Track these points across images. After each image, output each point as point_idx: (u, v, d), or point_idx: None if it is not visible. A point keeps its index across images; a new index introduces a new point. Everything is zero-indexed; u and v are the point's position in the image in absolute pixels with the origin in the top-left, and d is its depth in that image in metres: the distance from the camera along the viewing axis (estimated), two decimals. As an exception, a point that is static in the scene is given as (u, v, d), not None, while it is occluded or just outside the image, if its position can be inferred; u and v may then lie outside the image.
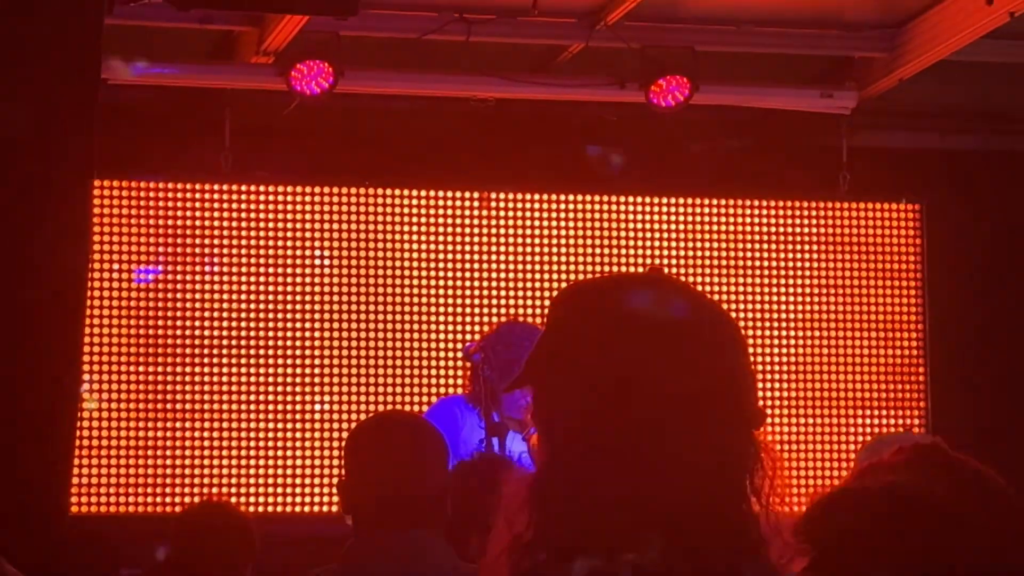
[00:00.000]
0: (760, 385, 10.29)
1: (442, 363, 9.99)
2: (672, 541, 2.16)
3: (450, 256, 10.14)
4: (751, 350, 9.70)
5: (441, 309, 10.09)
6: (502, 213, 10.25)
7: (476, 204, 10.22)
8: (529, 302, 10.17)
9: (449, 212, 10.18)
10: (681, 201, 10.48)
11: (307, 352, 9.95)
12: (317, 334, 9.97)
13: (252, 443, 9.82)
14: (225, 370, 9.83)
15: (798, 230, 10.63)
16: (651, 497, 2.17)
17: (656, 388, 2.20)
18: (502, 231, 10.23)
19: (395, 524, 4.08)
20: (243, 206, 9.98)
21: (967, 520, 2.55)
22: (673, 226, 10.45)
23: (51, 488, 5.70)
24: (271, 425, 9.86)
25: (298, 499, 9.82)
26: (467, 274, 10.15)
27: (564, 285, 9.90)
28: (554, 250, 10.28)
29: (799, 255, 10.60)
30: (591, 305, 2.33)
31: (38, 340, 5.70)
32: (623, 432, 2.19)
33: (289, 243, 10.01)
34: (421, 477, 4.17)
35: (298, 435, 9.86)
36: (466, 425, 7.61)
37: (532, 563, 2.22)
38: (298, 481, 9.83)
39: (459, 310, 10.10)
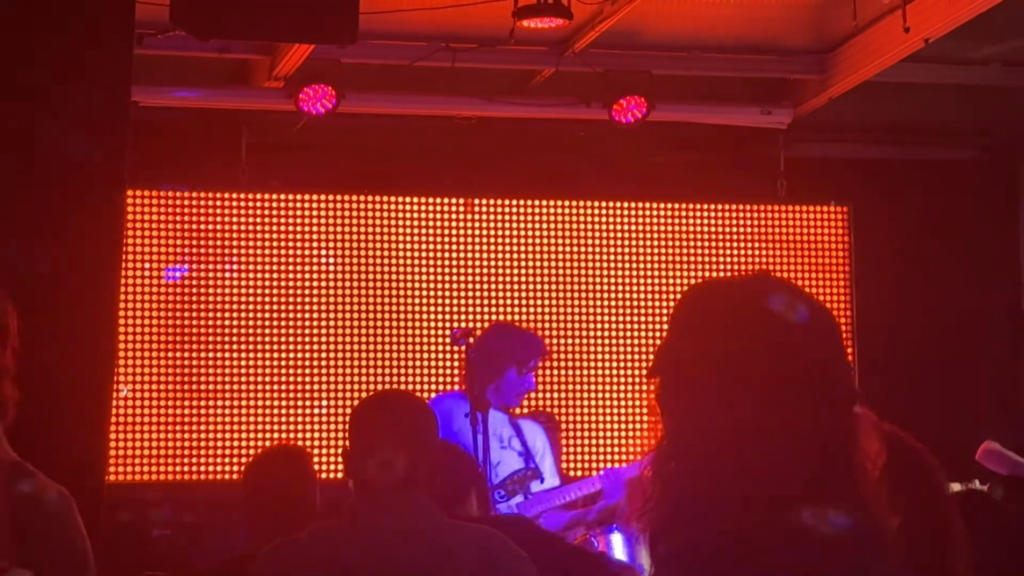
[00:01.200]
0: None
1: (432, 348, 9.98)
2: (782, 495, 2.18)
3: (439, 254, 10.14)
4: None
5: (431, 301, 10.08)
6: (484, 216, 10.25)
7: (461, 209, 10.22)
8: (508, 294, 10.18)
9: (438, 216, 10.17)
10: (640, 205, 10.48)
11: (315, 339, 9.94)
12: (324, 323, 9.97)
13: (266, 418, 9.81)
14: (243, 355, 9.82)
15: (742, 230, 10.63)
16: (766, 472, 2.19)
17: (774, 376, 2.22)
18: (484, 232, 10.23)
19: (391, 485, 4.08)
20: (258, 212, 9.97)
21: None
22: (633, 227, 10.45)
23: (90, 460, 5.68)
24: (284, 403, 9.84)
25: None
26: (454, 269, 10.14)
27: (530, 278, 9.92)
28: (530, 248, 10.28)
29: (743, 251, 10.61)
30: (715, 305, 2.35)
31: (78, 330, 5.68)
32: (747, 414, 2.21)
33: (299, 244, 9.99)
34: (414, 446, 4.16)
35: (307, 411, 9.85)
36: (459, 416, 7.53)
37: (660, 526, 2.25)
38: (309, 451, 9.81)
39: (446, 301, 10.10)
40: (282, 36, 7.74)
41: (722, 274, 10.49)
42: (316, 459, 9.76)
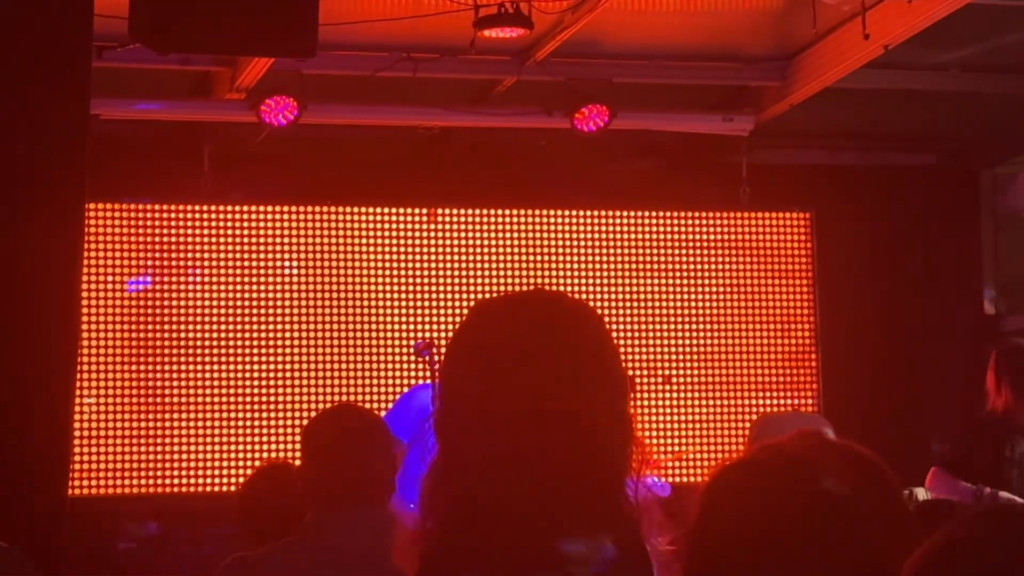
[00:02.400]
0: (677, 370, 10.34)
1: (396, 359, 9.97)
2: (545, 524, 2.16)
3: (401, 264, 10.12)
4: (671, 342, 9.67)
5: (393, 311, 10.07)
6: (446, 226, 10.24)
7: (424, 219, 10.21)
8: (469, 305, 10.14)
9: (401, 226, 10.16)
10: (603, 213, 10.49)
11: (279, 351, 9.91)
12: (288, 334, 9.94)
13: (230, 431, 9.78)
14: (206, 367, 9.79)
15: (705, 236, 10.64)
16: (528, 492, 2.17)
17: (532, 398, 2.20)
18: (447, 241, 10.22)
19: (347, 503, 4.05)
20: (221, 224, 9.94)
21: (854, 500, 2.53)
22: (597, 235, 10.46)
23: (52, 473, 5.65)
24: (247, 415, 9.82)
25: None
26: (416, 280, 10.13)
27: (492, 288, 9.92)
28: (493, 257, 10.28)
29: (707, 258, 10.62)
30: (476, 324, 2.33)
31: (39, 343, 5.65)
32: (503, 438, 2.19)
33: (261, 255, 9.97)
34: (369, 461, 4.14)
35: (270, 423, 9.83)
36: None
37: (429, 554, 2.23)
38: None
39: (409, 312, 10.08)
40: (241, 50, 7.72)
41: (686, 282, 10.51)
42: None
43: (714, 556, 2.30)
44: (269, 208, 10.01)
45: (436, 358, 7.64)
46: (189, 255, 9.86)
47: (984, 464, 7.27)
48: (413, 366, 9.71)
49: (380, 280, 10.08)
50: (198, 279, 9.86)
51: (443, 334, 9.89)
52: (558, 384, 2.22)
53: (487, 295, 10.12)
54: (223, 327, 9.84)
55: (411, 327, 10.01)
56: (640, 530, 2.22)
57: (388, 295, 10.07)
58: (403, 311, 10.06)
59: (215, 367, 9.80)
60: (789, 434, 2.64)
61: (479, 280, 10.21)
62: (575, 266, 10.39)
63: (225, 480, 9.70)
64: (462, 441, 2.23)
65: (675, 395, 10.42)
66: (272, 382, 9.87)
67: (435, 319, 10.07)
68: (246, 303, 9.90)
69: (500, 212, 10.31)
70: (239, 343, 9.85)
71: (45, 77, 5.74)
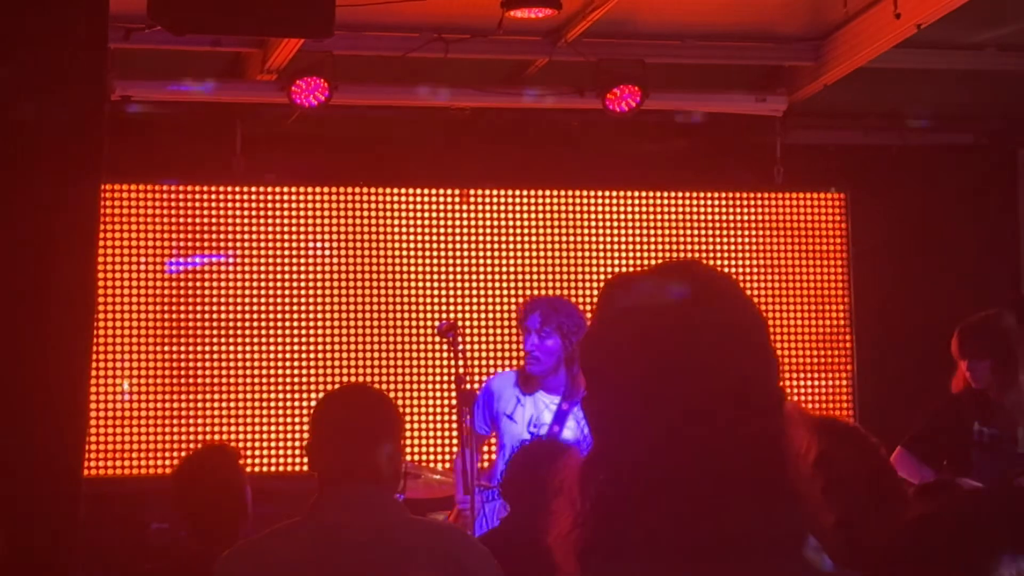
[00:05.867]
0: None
1: (426, 340, 9.93)
2: (721, 515, 2.10)
3: (434, 245, 10.09)
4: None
5: (425, 292, 10.03)
6: (479, 207, 10.19)
7: (456, 200, 10.17)
8: (503, 285, 10.12)
9: (433, 207, 10.12)
10: (636, 194, 10.42)
11: (311, 332, 9.90)
12: (320, 315, 9.92)
13: (264, 410, 9.77)
14: (239, 348, 9.78)
15: (739, 217, 10.57)
16: (694, 479, 2.10)
17: (692, 376, 2.13)
18: (479, 223, 10.17)
19: (353, 481, 4.02)
20: (254, 205, 9.93)
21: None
22: (630, 217, 10.39)
23: (66, 454, 5.61)
24: (280, 394, 9.80)
25: (301, 460, 9.77)
26: (450, 261, 10.09)
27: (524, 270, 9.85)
28: (525, 239, 10.23)
29: (741, 239, 10.55)
30: (632, 299, 2.24)
31: (53, 323, 5.61)
32: (663, 419, 2.12)
33: (294, 236, 9.95)
34: (376, 441, 4.10)
35: (302, 404, 9.80)
36: (504, 395, 7.45)
37: (591, 540, 2.15)
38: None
39: (441, 293, 10.04)
40: (258, 30, 7.67)
41: (720, 263, 10.42)
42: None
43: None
44: (301, 189, 9.98)
45: (459, 339, 7.55)
46: (221, 236, 9.84)
47: (950, 445, 7.20)
48: (440, 347, 9.67)
49: (412, 261, 10.05)
50: (231, 260, 9.85)
51: (472, 315, 9.88)
52: (724, 366, 2.14)
53: (523, 272, 10.05)
54: (255, 309, 9.83)
55: (443, 308, 9.96)
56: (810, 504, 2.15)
57: (420, 276, 10.03)
58: (435, 292, 10.03)
59: (248, 348, 9.79)
60: None
61: (511, 261, 10.16)
62: (608, 247, 10.33)
63: (258, 461, 9.68)
64: (624, 426, 2.15)
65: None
66: (303, 363, 9.85)
67: (467, 300, 10.02)
68: (278, 284, 9.88)
69: (532, 193, 10.26)
70: (271, 324, 9.84)
71: (60, 55, 5.69)
